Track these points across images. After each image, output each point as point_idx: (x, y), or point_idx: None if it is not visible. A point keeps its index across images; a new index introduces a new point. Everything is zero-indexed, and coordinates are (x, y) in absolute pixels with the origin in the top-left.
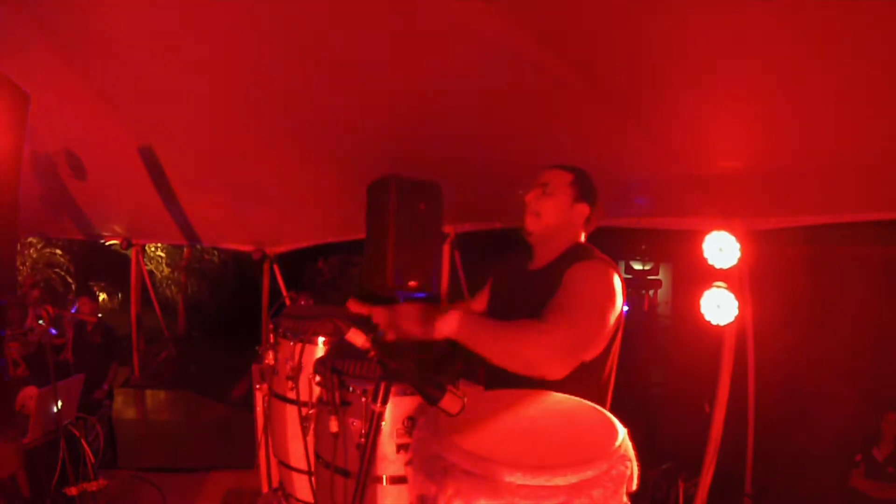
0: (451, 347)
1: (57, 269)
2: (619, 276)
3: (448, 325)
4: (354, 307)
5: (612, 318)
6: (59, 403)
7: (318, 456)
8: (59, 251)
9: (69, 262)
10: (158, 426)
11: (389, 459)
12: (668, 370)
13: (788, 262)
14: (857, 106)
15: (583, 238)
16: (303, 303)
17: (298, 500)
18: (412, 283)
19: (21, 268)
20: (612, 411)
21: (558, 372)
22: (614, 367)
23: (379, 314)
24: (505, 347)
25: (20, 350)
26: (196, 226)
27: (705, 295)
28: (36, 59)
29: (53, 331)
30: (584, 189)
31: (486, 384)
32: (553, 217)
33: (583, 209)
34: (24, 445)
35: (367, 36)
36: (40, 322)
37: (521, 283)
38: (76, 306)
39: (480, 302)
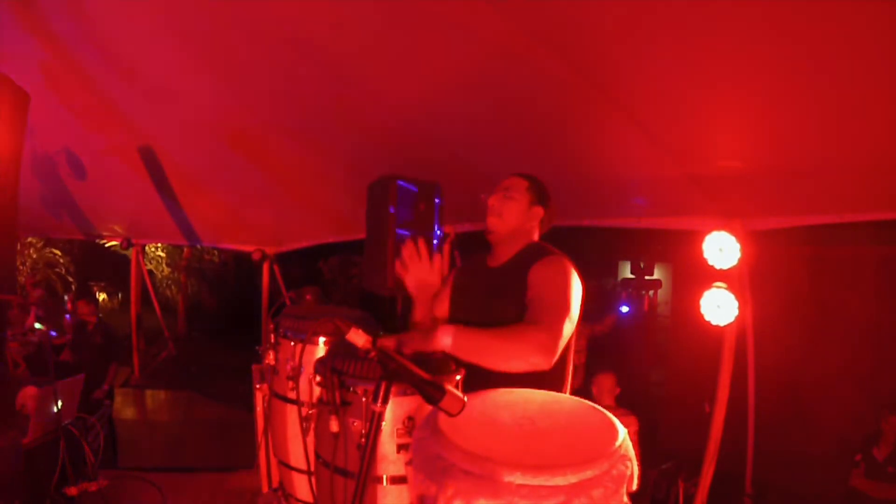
0: None
1: (57, 269)
2: (574, 267)
3: (444, 340)
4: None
5: (578, 304)
6: (59, 403)
7: (318, 456)
8: (58, 251)
9: (69, 262)
10: (158, 426)
11: (390, 459)
12: (668, 370)
13: (788, 262)
14: (857, 106)
15: (537, 237)
16: (308, 297)
17: (298, 500)
18: None
19: (21, 268)
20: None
21: (550, 361)
22: (573, 351)
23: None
24: (500, 351)
25: (20, 350)
26: (196, 226)
27: (705, 295)
28: (36, 59)
29: (53, 332)
30: (539, 193)
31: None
32: (513, 218)
33: (538, 211)
34: (24, 445)
35: (368, 37)
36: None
37: (482, 280)
38: (70, 309)
39: (441, 304)
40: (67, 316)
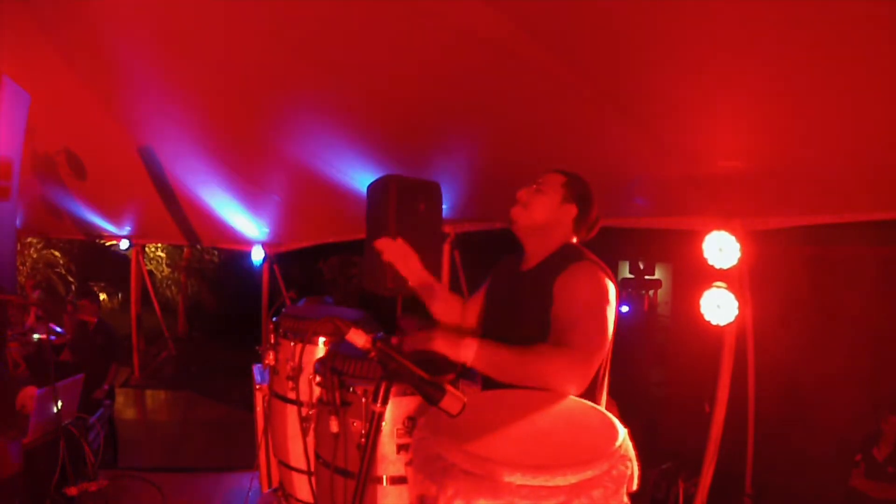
0: None
1: (57, 270)
2: (611, 277)
3: (467, 352)
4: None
5: (612, 321)
6: (59, 403)
7: (318, 456)
8: (58, 251)
9: (69, 262)
10: (158, 426)
11: (389, 459)
12: (668, 370)
13: (788, 262)
14: (857, 105)
15: (574, 240)
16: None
17: (298, 500)
18: (412, 283)
19: (21, 268)
20: (611, 411)
21: (579, 389)
22: (608, 365)
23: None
24: (527, 374)
25: (20, 350)
26: (196, 226)
27: (705, 295)
28: (36, 59)
29: (53, 336)
30: (575, 191)
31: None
32: (540, 212)
33: (570, 209)
34: (24, 445)
35: (368, 36)
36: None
37: (512, 285)
38: (69, 310)
39: (475, 304)
40: (56, 329)
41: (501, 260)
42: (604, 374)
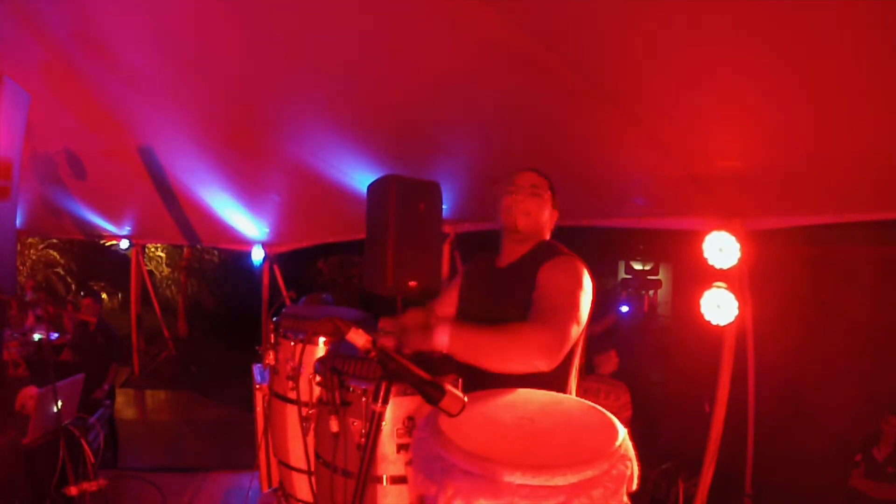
0: None
1: (57, 270)
2: (587, 268)
3: (441, 338)
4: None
5: (587, 308)
6: (59, 403)
7: (318, 456)
8: (58, 252)
9: (69, 262)
10: (158, 426)
11: (390, 459)
12: (668, 370)
13: (788, 262)
14: (857, 106)
15: (548, 236)
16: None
17: (298, 500)
18: (412, 283)
19: (21, 268)
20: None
21: (552, 364)
22: (580, 351)
23: (386, 323)
24: (500, 351)
25: (20, 350)
26: (196, 226)
27: (705, 295)
28: (36, 59)
29: (53, 335)
30: (555, 196)
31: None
32: (541, 217)
33: (556, 214)
34: (24, 445)
35: (368, 36)
36: (40, 322)
37: (491, 281)
38: (70, 310)
39: (447, 303)
40: (33, 335)
41: (471, 261)
42: (574, 359)
